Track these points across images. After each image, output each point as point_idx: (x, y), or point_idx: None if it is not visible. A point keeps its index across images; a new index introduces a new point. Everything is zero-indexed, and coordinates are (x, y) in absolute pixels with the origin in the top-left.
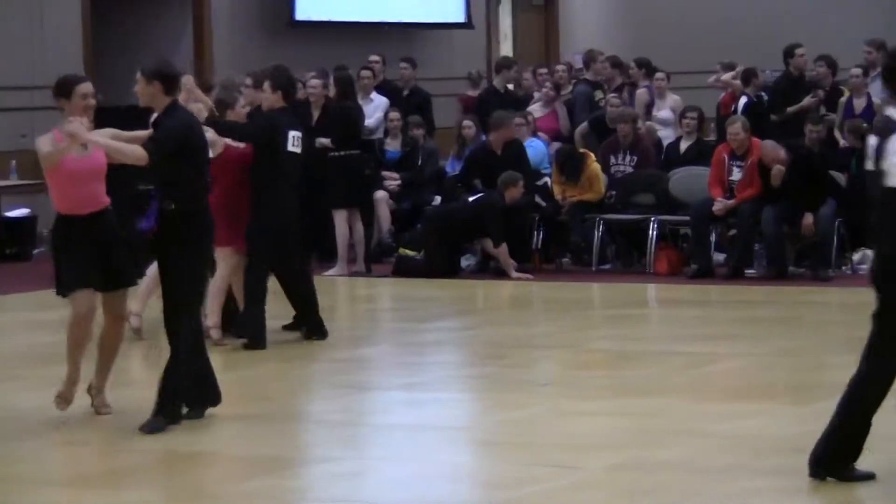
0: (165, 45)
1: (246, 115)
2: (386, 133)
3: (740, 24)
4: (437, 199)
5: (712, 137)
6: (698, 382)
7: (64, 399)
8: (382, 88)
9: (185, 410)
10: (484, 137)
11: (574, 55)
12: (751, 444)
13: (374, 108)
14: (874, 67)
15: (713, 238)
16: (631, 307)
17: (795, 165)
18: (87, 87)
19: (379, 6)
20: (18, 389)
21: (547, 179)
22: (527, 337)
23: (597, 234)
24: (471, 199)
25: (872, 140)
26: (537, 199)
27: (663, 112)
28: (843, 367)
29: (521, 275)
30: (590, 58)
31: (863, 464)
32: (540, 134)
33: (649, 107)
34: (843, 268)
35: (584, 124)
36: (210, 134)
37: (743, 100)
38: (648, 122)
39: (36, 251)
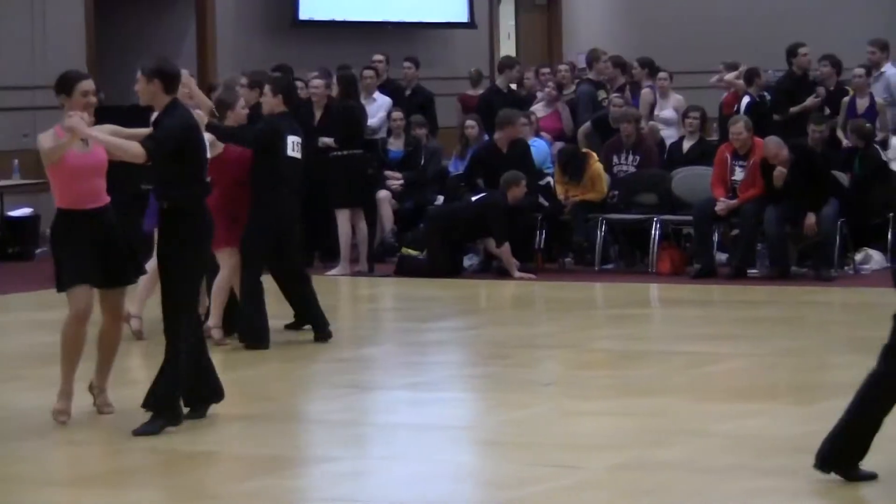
0: (169, 45)
1: (246, 115)
2: (389, 133)
3: (743, 24)
4: (440, 199)
5: (715, 137)
6: (700, 382)
7: (63, 413)
8: (385, 88)
9: (186, 410)
10: (487, 137)
11: (577, 55)
12: (753, 444)
13: (377, 107)
14: (877, 67)
15: (716, 238)
16: (633, 307)
17: (798, 165)
18: (88, 84)
19: (382, 6)
20: (20, 389)
21: (550, 179)
22: (529, 337)
23: (599, 234)
24: (473, 198)
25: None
26: (540, 198)
27: (666, 112)
28: (846, 367)
29: (523, 274)
30: (593, 57)
31: (864, 464)
32: (543, 134)
33: (652, 106)
34: (846, 268)
35: (587, 124)
36: (209, 136)
37: (746, 99)
38: (651, 122)
39: (38, 251)
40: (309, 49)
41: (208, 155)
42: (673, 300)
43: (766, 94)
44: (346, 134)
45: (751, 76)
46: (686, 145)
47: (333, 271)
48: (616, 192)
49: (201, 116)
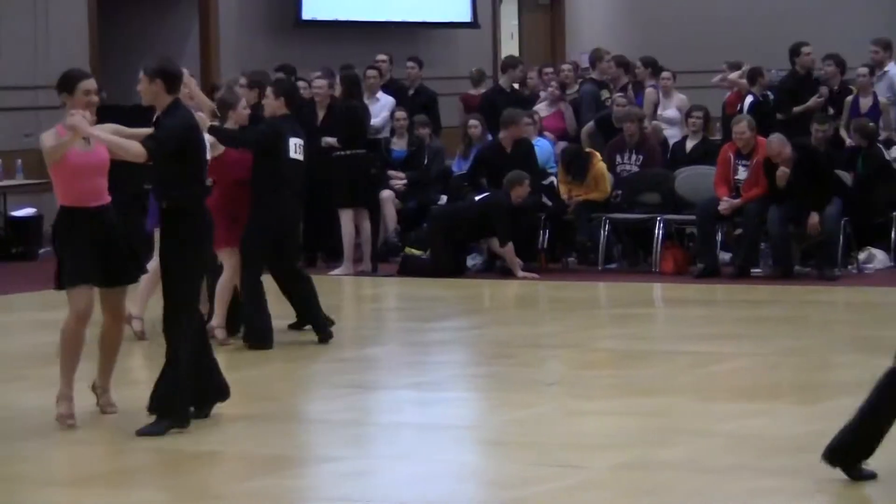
0: (172, 45)
1: (247, 116)
2: (392, 132)
3: (746, 24)
4: (443, 199)
5: (718, 137)
6: (704, 382)
7: (67, 416)
8: (389, 88)
9: (191, 410)
10: (490, 137)
11: (580, 54)
12: (756, 443)
13: (381, 107)
14: (881, 66)
15: (719, 237)
16: (637, 306)
17: (801, 165)
18: (90, 83)
19: (385, 6)
20: (23, 389)
21: (553, 179)
22: (533, 336)
23: (603, 234)
24: (477, 198)
25: None
26: (543, 198)
27: (669, 111)
28: (849, 367)
29: (527, 274)
30: (596, 57)
31: (866, 462)
32: (546, 133)
33: (655, 106)
34: (849, 267)
35: (590, 123)
36: (210, 137)
37: (749, 99)
38: (654, 122)
39: (42, 251)
40: (312, 49)
41: (209, 156)
42: (676, 300)
43: (769, 93)
44: (350, 134)
45: (754, 75)
46: (689, 145)
47: (337, 271)
48: (619, 192)
49: (203, 119)
